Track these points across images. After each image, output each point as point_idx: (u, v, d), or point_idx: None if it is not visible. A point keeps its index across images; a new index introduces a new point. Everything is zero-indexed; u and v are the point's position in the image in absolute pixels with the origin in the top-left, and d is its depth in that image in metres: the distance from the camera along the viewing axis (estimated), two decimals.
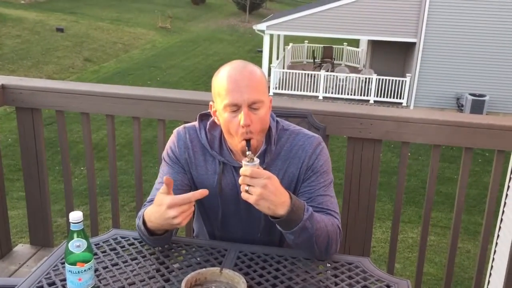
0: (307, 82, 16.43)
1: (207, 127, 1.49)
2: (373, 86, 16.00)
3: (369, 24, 15.66)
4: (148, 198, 1.51)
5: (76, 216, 1.19)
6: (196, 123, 1.51)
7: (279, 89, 16.40)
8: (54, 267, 1.36)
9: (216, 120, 1.45)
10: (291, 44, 20.33)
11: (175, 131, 1.53)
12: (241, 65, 1.39)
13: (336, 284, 1.34)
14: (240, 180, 1.26)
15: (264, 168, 1.46)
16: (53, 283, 1.29)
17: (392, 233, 2.42)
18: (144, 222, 1.37)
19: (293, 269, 1.40)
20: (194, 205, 1.30)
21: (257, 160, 1.29)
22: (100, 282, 1.31)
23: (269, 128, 1.47)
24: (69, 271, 1.21)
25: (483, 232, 2.30)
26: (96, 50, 20.65)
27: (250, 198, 1.26)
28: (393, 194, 9.24)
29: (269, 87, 16.26)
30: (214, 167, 1.49)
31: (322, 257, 1.44)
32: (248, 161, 1.28)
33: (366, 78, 16.30)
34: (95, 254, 1.43)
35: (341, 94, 16.28)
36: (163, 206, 1.23)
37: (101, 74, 17.71)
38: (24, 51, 18.37)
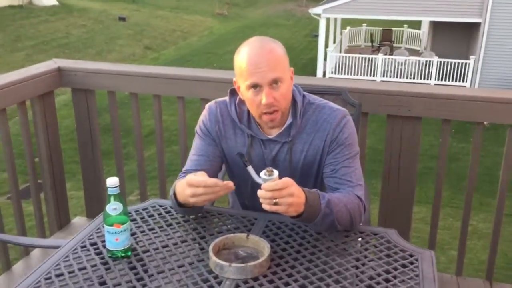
0: (364, 66, 16.11)
1: (237, 102, 1.55)
2: (434, 69, 15.48)
3: (431, 4, 15.09)
4: (183, 169, 1.61)
5: (112, 181, 1.29)
6: (227, 98, 1.59)
7: (335, 73, 16.20)
8: (97, 229, 1.49)
9: (241, 96, 1.52)
10: (348, 28, 19.96)
11: (207, 105, 1.61)
12: (259, 43, 1.44)
13: (359, 252, 1.38)
14: (269, 195, 1.25)
15: (290, 141, 1.52)
16: (95, 243, 1.42)
17: (433, 214, 2.40)
18: (175, 193, 1.47)
19: (319, 238, 1.45)
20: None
21: (276, 172, 1.28)
22: (137, 244, 1.42)
23: (295, 102, 1.52)
24: (107, 231, 1.32)
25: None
26: (156, 38, 21.20)
27: (280, 209, 1.28)
28: (453, 181, 8.94)
29: (324, 72, 16.12)
30: (243, 140, 1.56)
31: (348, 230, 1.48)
32: (268, 175, 1.27)
33: (426, 61, 15.79)
34: (135, 220, 1.55)
35: (400, 77, 15.84)
36: (185, 183, 1.33)
37: (160, 61, 18.19)
38: (89, 40, 19.16)
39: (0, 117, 2.30)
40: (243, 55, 1.44)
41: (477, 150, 2.23)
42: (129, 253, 1.36)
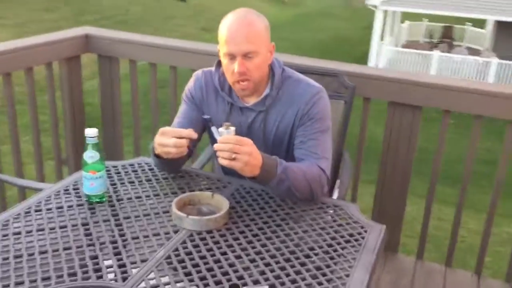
0: (419, 61, 15.72)
1: (221, 71, 1.66)
2: (492, 71, 14.89)
3: (496, 2, 14.49)
4: None
5: (91, 131, 1.43)
6: (213, 68, 1.69)
7: (389, 67, 15.89)
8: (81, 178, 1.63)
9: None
10: (407, 22, 19.46)
11: (194, 73, 1.73)
12: (242, 15, 1.54)
13: (313, 219, 1.46)
14: (227, 147, 1.34)
15: (265, 111, 1.61)
16: (77, 189, 1.57)
17: (425, 214, 2.41)
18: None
19: (281, 204, 1.53)
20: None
21: (232, 128, 1.39)
22: (115, 193, 1.55)
23: (273, 74, 1.61)
24: (84, 177, 1.46)
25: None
26: (212, 20, 21.46)
27: (236, 166, 1.36)
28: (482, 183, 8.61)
29: (377, 66, 15.85)
30: (223, 107, 1.66)
31: (310, 201, 1.56)
32: (225, 129, 1.39)
33: (485, 61, 15.21)
34: (119, 173, 1.68)
35: (456, 76, 15.36)
36: (159, 132, 1.45)
37: (214, 43, 18.44)
38: (147, 18, 19.68)
39: (28, 76, 2.50)
40: (225, 24, 1.54)
41: (474, 144, 2.22)
42: (104, 199, 1.49)
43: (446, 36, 18.83)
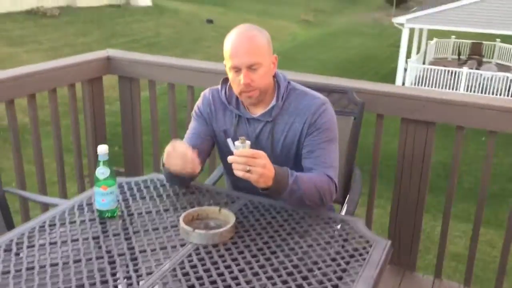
0: (447, 79, 15.52)
1: (228, 86, 1.72)
2: None
3: None
4: None
5: (102, 149, 1.49)
6: (219, 86, 1.76)
7: (416, 85, 15.74)
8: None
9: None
10: (435, 39, 19.30)
11: (202, 93, 1.80)
12: (243, 30, 1.61)
13: (319, 234, 1.47)
14: (243, 160, 1.40)
15: (272, 121, 1.66)
16: (90, 204, 1.62)
17: (442, 231, 2.39)
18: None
19: (288, 219, 1.55)
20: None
21: (248, 142, 1.44)
22: (126, 208, 1.60)
23: (279, 86, 1.66)
24: (96, 192, 1.52)
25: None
26: None
27: (252, 178, 1.42)
28: None
29: (403, 83, 15.72)
30: (231, 119, 1.73)
31: (320, 207, 1.60)
32: (241, 143, 1.43)
33: None
34: (132, 188, 1.74)
35: (486, 93, 15.09)
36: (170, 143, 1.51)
37: None
38: (176, 40, 20.10)
39: (52, 97, 2.61)
40: (229, 40, 1.62)
41: (489, 160, 2.20)
42: (115, 214, 1.54)
43: (475, 53, 18.54)
